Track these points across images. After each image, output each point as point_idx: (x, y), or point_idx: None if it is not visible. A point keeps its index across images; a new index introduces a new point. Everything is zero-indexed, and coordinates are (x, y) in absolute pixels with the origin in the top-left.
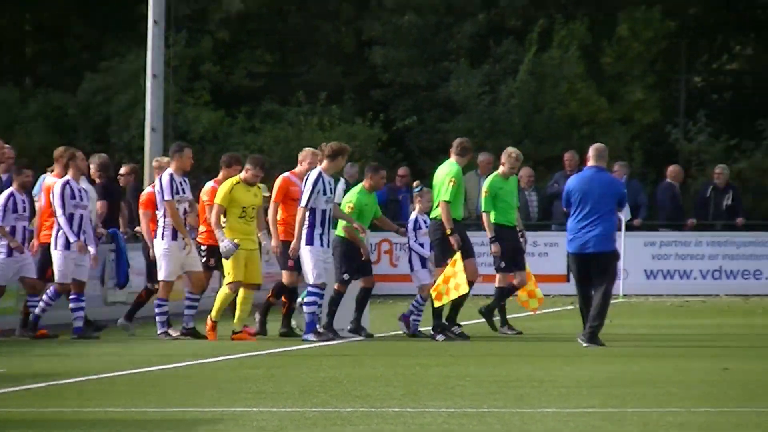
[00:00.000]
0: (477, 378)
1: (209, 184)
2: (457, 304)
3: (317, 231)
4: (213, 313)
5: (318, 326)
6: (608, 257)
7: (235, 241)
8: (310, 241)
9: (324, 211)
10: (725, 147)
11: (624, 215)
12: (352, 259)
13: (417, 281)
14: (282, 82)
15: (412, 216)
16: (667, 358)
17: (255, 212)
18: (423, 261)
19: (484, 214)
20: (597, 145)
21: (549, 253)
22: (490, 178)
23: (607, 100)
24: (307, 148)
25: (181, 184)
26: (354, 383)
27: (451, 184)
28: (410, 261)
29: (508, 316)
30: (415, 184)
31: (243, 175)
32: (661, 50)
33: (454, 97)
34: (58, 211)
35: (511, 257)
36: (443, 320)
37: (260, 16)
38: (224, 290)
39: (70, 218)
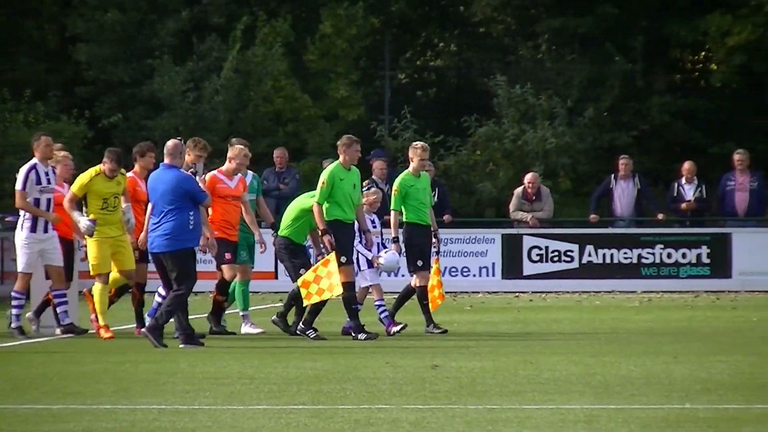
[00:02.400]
0: (187, 375)
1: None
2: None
3: None
4: (100, 318)
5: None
6: (173, 257)
7: (91, 217)
8: None
9: None
10: (430, 144)
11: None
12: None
13: (365, 282)
14: None
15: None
16: (378, 354)
17: (118, 201)
18: (369, 261)
19: (392, 213)
20: (169, 142)
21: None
22: (401, 176)
23: (311, 97)
24: (237, 144)
25: (47, 174)
26: (64, 380)
27: (322, 185)
28: (357, 262)
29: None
30: (365, 183)
31: (102, 167)
32: (364, 47)
33: (159, 94)
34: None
35: (420, 257)
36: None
37: None
38: (97, 286)
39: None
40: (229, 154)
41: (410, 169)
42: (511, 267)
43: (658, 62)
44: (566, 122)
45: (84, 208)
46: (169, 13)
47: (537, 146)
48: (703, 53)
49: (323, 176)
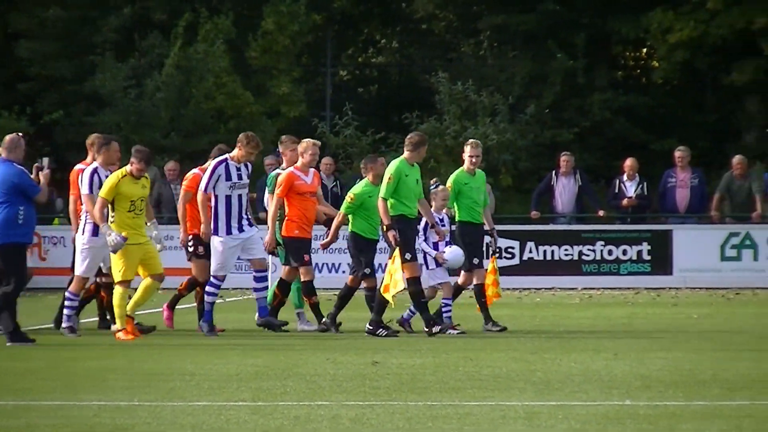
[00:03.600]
0: (128, 371)
1: (192, 171)
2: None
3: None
4: (117, 322)
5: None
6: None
7: (123, 234)
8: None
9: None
10: (372, 140)
11: None
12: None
13: (434, 280)
14: None
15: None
16: (319, 351)
17: (144, 204)
18: (427, 261)
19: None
20: (7, 136)
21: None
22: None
23: (253, 94)
24: (306, 139)
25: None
26: (12, 377)
27: (389, 181)
28: (425, 261)
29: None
30: (432, 181)
31: (129, 168)
32: (306, 44)
33: (101, 90)
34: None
35: (474, 255)
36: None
37: None
38: (117, 290)
39: None
40: (299, 149)
41: (405, 155)
42: None
43: (600, 59)
44: (508, 119)
45: (110, 212)
46: (111, 9)
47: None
48: (644, 50)
49: (389, 171)
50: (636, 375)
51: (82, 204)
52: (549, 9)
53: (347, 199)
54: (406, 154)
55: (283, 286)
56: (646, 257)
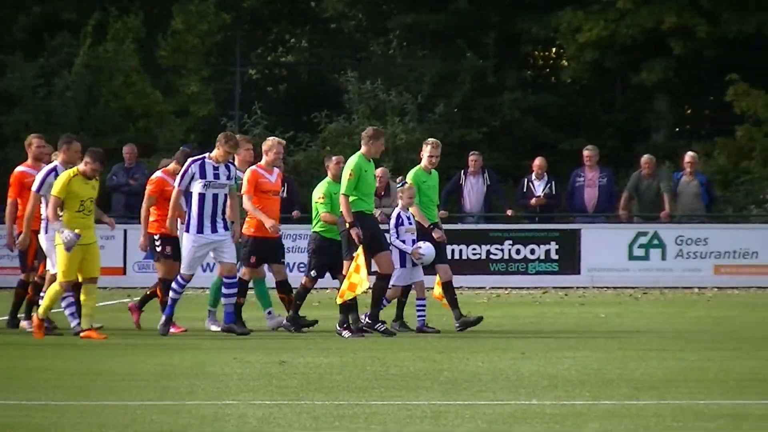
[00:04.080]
0: (37, 370)
1: (156, 174)
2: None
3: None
4: (40, 310)
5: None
6: None
7: (76, 231)
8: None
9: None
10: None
11: None
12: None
13: (406, 280)
14: None
15: (395, 212)
16: (226, 351)
17: (93, 205)
18: (403, 259)
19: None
20: None
21: (106, 245)
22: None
23: (162, 93)
24: (271, 137)
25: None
26: None
27: (349, 177)
28: (400, 258)
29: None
30: (398, 179)
31: (81, 167)
32: (216, 43)
33: (10, 89)
34: None
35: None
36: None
37: None
38: (54, 287)
39: None
40: (264, 147)
41: (363, 150)
42: None
43: (510, 58)
44: (417, 118)
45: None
46: (21, 8)
47: (387, 142)
48: (554, 49)
49: (348, 167)
50: (543, 374)
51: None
52: (459, 8)
53: (319, 200)
54: (363, 148)
55: (241, 286)
56: (554, 256)
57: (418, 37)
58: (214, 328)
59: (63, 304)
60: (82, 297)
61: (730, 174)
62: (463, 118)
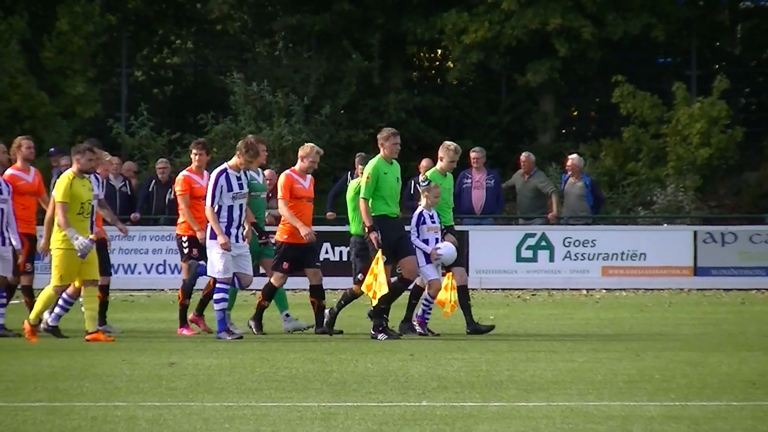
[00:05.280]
0: None
1: (182, 173)
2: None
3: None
4: (32, 315)
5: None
6: None
7: (91, 237)
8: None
9: (231, 208)
10: (167, 141)
11: None
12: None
13: (424, 278)
14: None
15: (417, 211)
16: (115, 352)
17: (90, 207)
18: (427, 257)
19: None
20: None
21: None
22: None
23: (48, 94)
24: (308, 144)
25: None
26: None
27: (367, 180)
28: (418, 257)
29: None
30: (421, 178)
31: (74, 168)
32: (102, 44)
33: None
34: None
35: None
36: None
37: None
38: (48, 291)
39: None
40: (300, 154)
41: (438, 167)
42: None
43: (395, 59)
44: (303, 120)
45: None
46: None
47: (274, 144)
48: (439, 51)
49: (367, 171)
50: (433, 376)
51: None
52: (343, 9)
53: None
54: (381, 152)
55: (269, 290)
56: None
57: (303, 39)
58: (293, 326)
59: (60, 303)
60: (83, 300)
61: (617, 175)
62: (349, 120)
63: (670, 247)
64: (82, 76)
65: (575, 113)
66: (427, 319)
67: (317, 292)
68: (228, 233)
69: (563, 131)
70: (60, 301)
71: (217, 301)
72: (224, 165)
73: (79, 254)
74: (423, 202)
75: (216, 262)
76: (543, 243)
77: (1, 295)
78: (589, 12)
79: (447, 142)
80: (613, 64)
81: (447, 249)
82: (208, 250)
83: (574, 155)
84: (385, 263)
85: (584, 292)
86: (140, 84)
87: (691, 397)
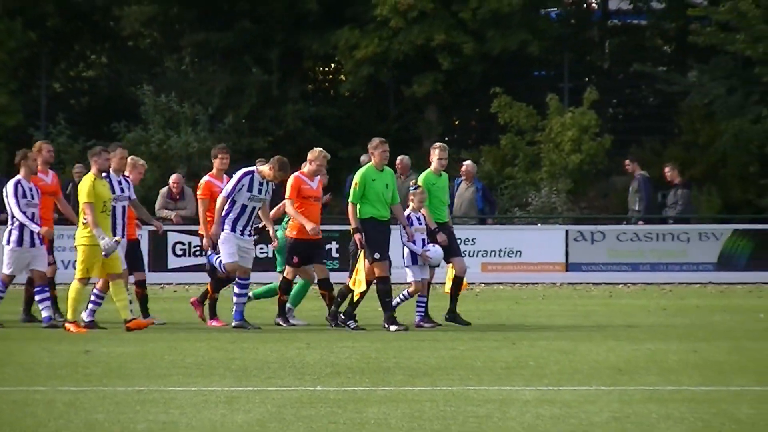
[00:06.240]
0: None
1: (204, 178)
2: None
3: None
4: (69, 314)
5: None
6: None
7: (116, 239)
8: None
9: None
10: (83, 147)
11: None
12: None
13: (408, 276)
14: None
15: (405, 213)
16: (35, 341)
17: (110, 205)
18: (414, 257)
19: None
20: None
21: None
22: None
23: None
24: (316, 148)
25: (120, 183)
26: None
27: (355, 186)
28: (403, 257)
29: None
30: (411, 183)
31: (93, 170)
32: (23, 58)
33: None
34: (16, 209)
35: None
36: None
37: None
38: (74, 285)
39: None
40: (309, 157)
41: (432, 168)
42: (158, 261)
43: (293, 73)
44: (208, 128)
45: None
46: None
47: (181, 150)
48: (333, 65)
49: (356, 178)
50: (326, 362)
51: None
52: (245, 27)
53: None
54: (372, 159)
55: (285, 284)
56: (335, 255)
57: (208, 54)
58: (294, 322)
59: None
60: (112, 294)
61: (496, 179)
62: (250, 128)
63: (544, 244)
64: (5, 88)
65: (457, 122)
66: (422, 313)
67: (326, 285)
68: (234, 229)
69: (446, 139)
70: (92, 297)
71: (239, 295)
72: (253, 168)
73: (103, 253)
74: (410, 205)
75: (224, 250)
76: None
77: (44, 289)
78: (470, 29)
79: (435, 143)
80: (492, 77)
81: (435, 251)
82: (219, 243)
83: (468, 161)
84: (379, 260)
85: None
86: (59, 95)
87: (563, 383)
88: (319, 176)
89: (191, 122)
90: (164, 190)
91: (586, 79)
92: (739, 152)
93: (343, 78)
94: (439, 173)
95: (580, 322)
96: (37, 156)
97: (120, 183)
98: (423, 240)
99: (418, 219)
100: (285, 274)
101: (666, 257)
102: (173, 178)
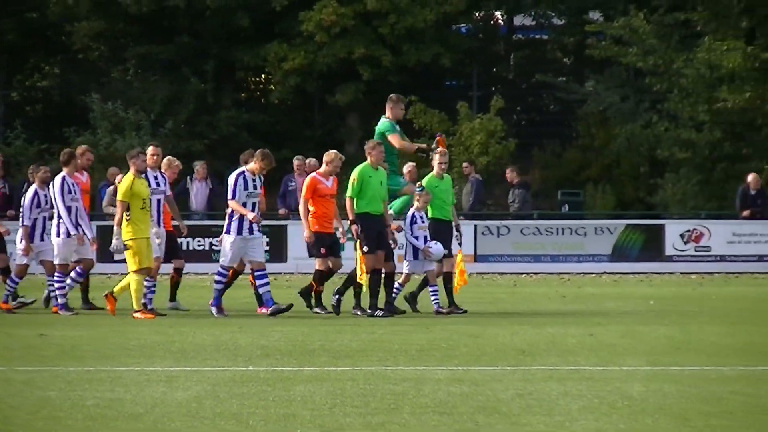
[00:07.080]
0: None
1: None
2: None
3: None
4: (135, 305)
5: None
6: None
7: (126, 243)
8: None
9: (244, 204)
10: (38, 150)
11: None
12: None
13: (407, 269)
14: None
15: (410, 212)
16: None
17: (150, 202)
18: (416, 252)
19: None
20: None
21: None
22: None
23: None
24: (332, 151)
25: (156, 178)
26: None
27: (353, 182)
28: (405, 251)
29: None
30: (417, 184)
31: (132, 168)
32: None
33: None
34: (60, 204)
35: (444, 247)
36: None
37: None
38: (133, 277)
39: (68, 210)
40: (325, 159)
41: (434, 173)
42: (109, 253)
43: (227, 82)
44: (150, 132)
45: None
46: None
47: (126, 152)
48: (264, 75)
49: (354, 175)
50: (257, 345)
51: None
52: (184, 41)
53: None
54: (368, 159)
55: (318, 275)
56: (266, 248)
57: (150, 65)
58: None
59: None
60: (131, 285)
61: None
62: (188, 132)
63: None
64: None
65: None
66: (437, 300)
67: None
68: (241, 225)
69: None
70: (146, 284)
71: (216, 282)
72: (242, 168)
73: (111, 249)
74: (415, 204)
75: (226, 252)
76: (349, 234)
77: (79, 275)
78: (388, 43)
79: (436, 150)
80: (408, 87)
81: (437, 248)
82: (222, 242)
83: (411, 163)
84: (367, 252)
85: None
86: (15, 103)
87: (472, 363)
88: (333, 176)
89: (135, 127)
90: (111, 189)
91: (493, 89)
92: (631, 154)
93: (273, 87)
94: (441, 176)
95: (487, 308)
96: (80, 157)
97: (156, 178)
98: (425, 237)
99: (422, 217)
100: (317, 267)
101: (565, 249)
102: (118, 178)
